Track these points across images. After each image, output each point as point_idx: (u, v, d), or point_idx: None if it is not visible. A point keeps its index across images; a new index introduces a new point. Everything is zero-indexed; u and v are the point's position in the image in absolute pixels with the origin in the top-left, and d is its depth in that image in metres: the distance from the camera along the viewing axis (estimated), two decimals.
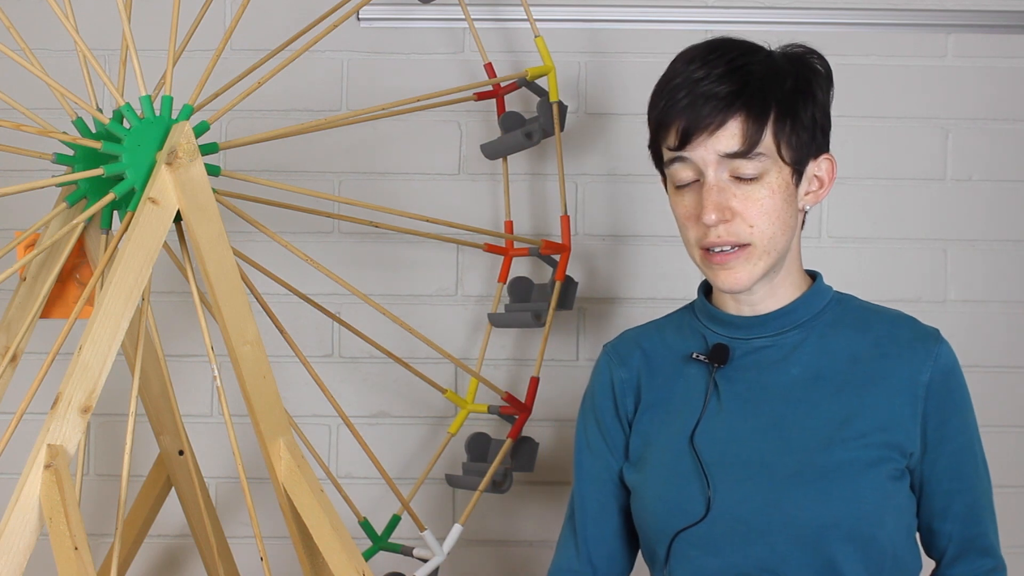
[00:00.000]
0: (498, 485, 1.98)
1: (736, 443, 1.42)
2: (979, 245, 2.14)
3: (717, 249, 1.40)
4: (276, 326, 1.77)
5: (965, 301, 2.14)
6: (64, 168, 1.71)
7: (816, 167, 1.45)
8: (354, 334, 1.87)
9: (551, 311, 1.98)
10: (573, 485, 1.58)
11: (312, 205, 1.94)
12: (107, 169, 1.59)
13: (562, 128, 2.02)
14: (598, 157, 2.15)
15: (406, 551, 1.93)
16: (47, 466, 1.45)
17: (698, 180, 1.41)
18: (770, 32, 1.54)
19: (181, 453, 1.88)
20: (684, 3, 2.14)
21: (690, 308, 1.56)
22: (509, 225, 2.07)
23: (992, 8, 2.13)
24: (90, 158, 1.68)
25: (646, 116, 1.47)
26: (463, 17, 2.06)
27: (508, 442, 1.97)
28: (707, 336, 1.50)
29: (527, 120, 2.04)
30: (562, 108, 2.02)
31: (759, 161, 1.38)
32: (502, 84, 2.02)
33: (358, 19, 2.13)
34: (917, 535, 1.47)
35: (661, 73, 1.46)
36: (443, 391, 1.97)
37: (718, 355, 1.46)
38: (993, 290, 2.14)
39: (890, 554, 1.40)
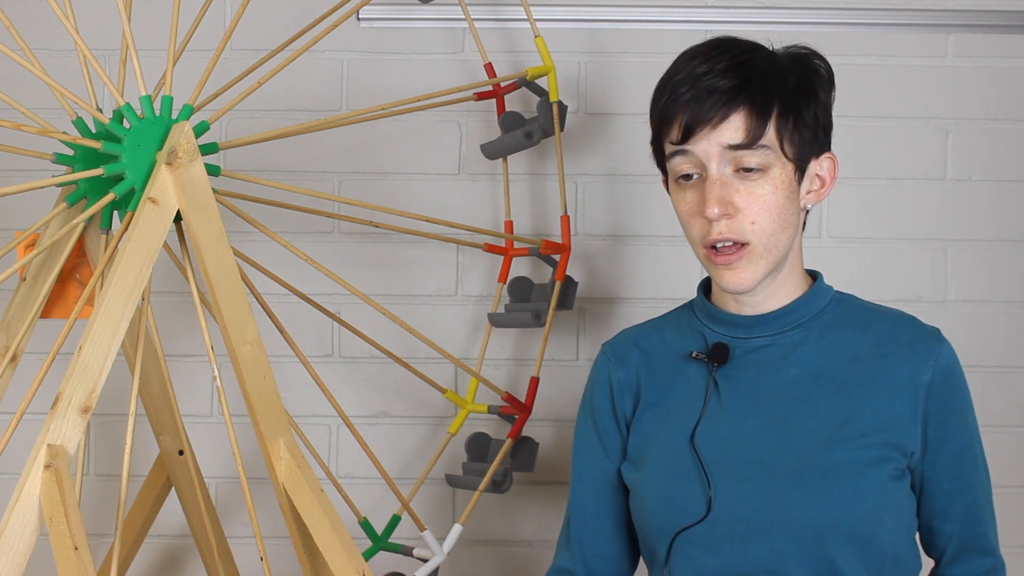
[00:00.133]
0: (498, 485, 1.98)
1: (736, 442, 1.42)
2: (979, 245, 2.14)
3: (720, 245, 1.40)
4: (276, 326, 1.77)
5: (965, 301, 2.14)
6: (64, 168, 1.71)
7: (818, 166, 1.45)
8: (354, 334, 1.87)
9: (551, 311, 1.98)
10: (571, 485, 1.58)
11: (312, 205, 1.94)
12: (107, 169, 1.59)
13: (562, 128, 2.02)
14: (598, 157, 2.15)
15: (406, 551, 1.93)
16: (47, 466, 1.45)
17: (700, 175, 1.41)
18: (770, 32, 1.54)
19: (181, 453, 1.88)
20: (684, 3, 2.14)
21: (689, 307, 1.56)
22: (509, 225, 2.07)
23: (992, 8, 2.13)
24: (90, 158, 1.68)
25: (647, 116, 1.47)
26: (463, 17, 2.06)
27: (508, 442, 1.97)
28: (707, 335, 1.50)
29: (527, 120, 2.04)
30: (562, 108, 2.02)
31: (762, 154, 1.38)
32: (502, 84, 2.02)
33: (358, 19, 2.13)
34: (916, 535, 1.47)
35: (661, 73, 1.46)
36: (443, 391, 1.97)
37: (718, 354, 1.46)
38: (993, 290, 2.14)
39: (890, 554, 1.40)
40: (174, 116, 1.63)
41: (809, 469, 1.38)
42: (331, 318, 1.87)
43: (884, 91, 2.15)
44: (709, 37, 1.47)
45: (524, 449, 2.00)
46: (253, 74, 1.83)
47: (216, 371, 1.62)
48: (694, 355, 1.48)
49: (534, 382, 2.00)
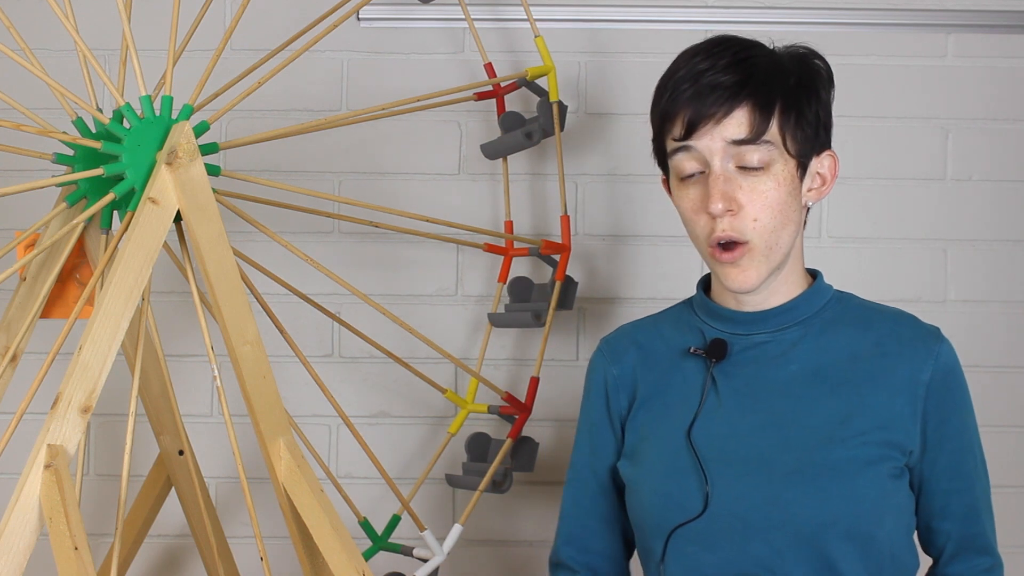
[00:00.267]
0: (498, 485, 1.98)
1: (734, 439, 1.42)
2: (979, 245, 2.14)
3: (724, 241, 1.40)
4: (276, 326, 1.77)
5: (965, 301, 2.14)
6: (64, 168, 1.71)
7: (819, 163, 1.45)
8: (354, 334, 1.87)
9: (551, 311, 1.98)
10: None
11: (312, 205, 1.94)
12: (107, 169, 1.59)
13: (562, 128, 2.02)
14: (598, 157, 2.15)
15: (406, 551, 1.93)
16: (47, 466, 1.45)
17: (703, 172, 1.41)
18: (770, 32, 1.54)
19: (181, 453, 1.88)
20: (684, 3, 2.14)
21: (689, 304, 1.56)
22: (509, 225, 2.07)
23: (992, 8, 2.13)
24: (90, 158, 1.68)
25: (647, 116, 1.47)
26: (463, 17, 2.06)
27: (508, 442, 1.97)
28: (705, 331, 1.50)
29: (527, 120, 2.04)
30: (562, 108, 2.02)
31: (766, 149, 1.38)
32: (502, 84, 2.02)
33: (358, 19, 2.13)
34: (915, 533, 1.47)
35: (661, 73, 1.46)
36: (443, 391, 1.97)
37: (716, 350, 1.46)
38: (993, 290, 2.14)
39: (888, 552, 1.40)
40: (174, 116, 1.63)
41: (808, 467, 1.38)
42: (331, 318, 1.87)
43: (884, 91, 2.15)
44: (709, 37, 1.47)
45: (524, 449, 2.00)
46: (253, 74, 1.83)
47: (216, 371, 1.62)
48: (692, 351, 1.48)
49: (534, 382, 2.00)
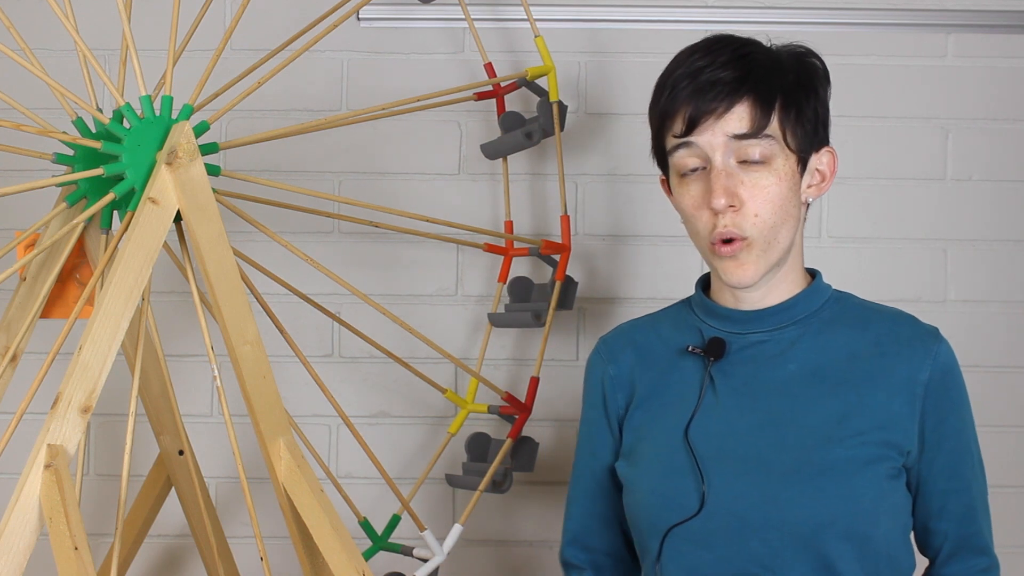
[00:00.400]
0: (498, 485, 1.98)
1: (732, 438, 1.42)
2: (979, 245, 2.14)
3: (726, 238, 1.40)
4: (276, 326, 1.77)
5: (965, 301, 2.14)
6: (64, 168, 1.71)
7: (818, 160, 1.46)
8: (354, 334, 1.87)
9: (551, 311, 1.98)
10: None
11: (312, 205, 1.94)
12: (107, 169, 1.59)
13: (562, 128, 2.02)
14: (598, 157, 2.15)
15: (406, 551, 1.93)
16: (47, 466, 1.45)
17: (704, 168, 1.41)
18: (770, 32, 1.54)
19: (181, 453, 1.88)
20: (684, 3, 2.14)
21: (687, 303, 1.56)
22: (509, 225, 2.07)
23: (992, 8, 2.13)
24: (90, 158, 1.68)
25: (647, 115, 1.47)
26: (463, 17, 2.06)
27: (508, 442, 1.97)
28: (703, 330, 1.50)
29: (527, 120, 2.04)
30: (562, 108, 2.02)
31: (767, 143, 1.38)
32: (502, 84, 2.02)
33: (358, 19, 2.13)
34: (912, 533, 1.47)
35: (661, 73, 1.46)
36: (443, 391, 1.97)
37: (714, 348, 1.46)
38: (993, 290, 2.14)
39: (885, 552, 1.40)
40: (174, 116, 1.63)
41: (806, 466, 1.38)
42: (331, 318, 1.87)
43: (884, 91, 2.15)
44: (706, 37, 1.47)
45: (524, 449, 2.00)
46: (253, 74, 1.83)
47: (216, 371, 1.62)
48: (690, 349, 1.48)
49: (534, 382, 2.00)
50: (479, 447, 2.02)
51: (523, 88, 2.03)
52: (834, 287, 1.52)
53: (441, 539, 1.94)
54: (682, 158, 1.42)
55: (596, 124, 2.15)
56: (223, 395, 1.63)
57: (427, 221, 1.93)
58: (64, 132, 1.63)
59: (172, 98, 1.63)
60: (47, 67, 1.75)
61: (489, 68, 2.02)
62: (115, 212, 1.69)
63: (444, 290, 2.15)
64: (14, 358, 1.68)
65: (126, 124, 1.63)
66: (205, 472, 1.97)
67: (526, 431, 2.01)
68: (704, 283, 1.54)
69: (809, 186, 1.45)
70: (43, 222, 1.63)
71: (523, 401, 1.99)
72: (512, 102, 2.08)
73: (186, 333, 2.12)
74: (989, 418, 2.09)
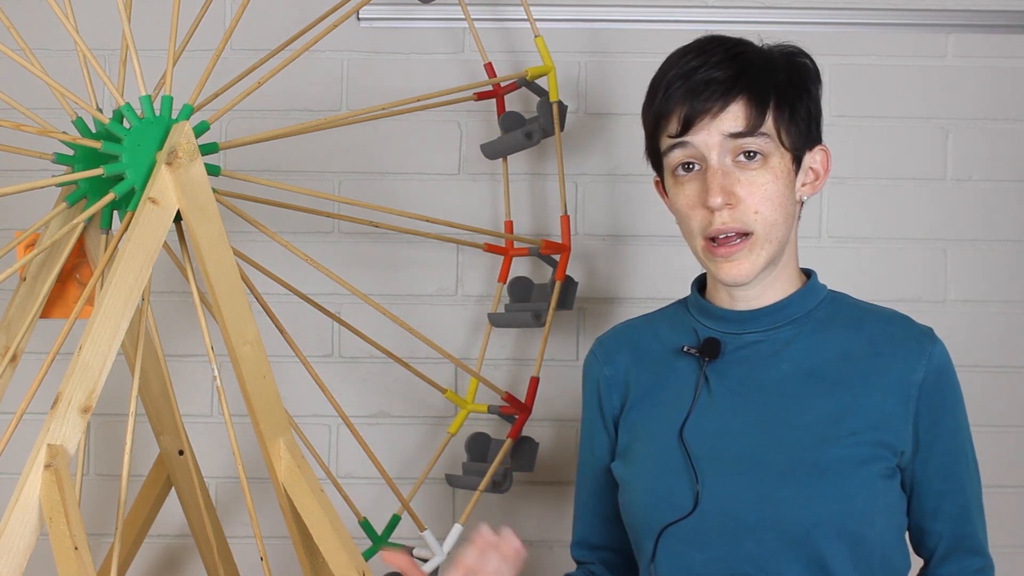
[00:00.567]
0: (498, 485, 1.98)
1: (726, 438, 1.42)
2: (979, 245, 2.14)
3: (722, 236, 1.40)
4: (276, 326, 1.77)
5: (965, 301, 2.14)
6: (64, 168, 1.71)
7: (812, 158, 1.46)
8: (354, 334, 1.87)
9: (551, 311, 1.98)
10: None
11: (312, 205, 1.94)
12: (107, 169, 1.59)
13: (562, 128, 2.02)
14: (598, 157, 2.15)
15: (406, 551, 1.93)
16: (47, 466, 1.45)
17: (700, 167, 1.41)
18: (770, 32, 1.54)
19: (181, 453, 1.88)
20: (684, 3, 2.14)
21: (683, 303, 1.56)
22: (509, 225, 2.07)
23: (992, 8, 2.13)
24: (90, 158, 1.68)
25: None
26: (463, 17, 2.06)
27: (508, 442, 1.97)
28: (699, 331, 1.50)
29: (527, 120, 2.04)
30: (562, 108, 2.02)
31: (763, 141, 1.39)
32: (502, 84, 2.02)
33: (358, 19, 2.13)
34: (907, 534, 1.47)
35: (654, 75, 1.47)
36: (443, 391, 1.97)
37: (709, 349, 1.46)
38: (993, 290, 2.14)
39: (879, 552, 1.40)
40: (174, 116, 1.63)
41: (800, 466, 1.38)
42: (331, 318, 1.87)
43: (884, 91, 2.15)
44: (697, 38, 1.48)
45: (524, 449, 2.00)
46: (253, 74, 1.83)
47: (216, 371, 1.62)
48: (685, 349, 1.48)
49: (534, 382, 2.00)
50: (479, 447, 2.02)
51: (523, 88, 2.03)
52: (834, 287, 1.52)
53: (441, 539, 1.94)
54: (677, 158, 1.42)
55: (596, 124, 2.15)
56: (223, 395, 1.63)
57: (427, 221, 1.93)
58: (64, 132, 1.63)
59: (172, 98, 1.63)
60: (47, 67, 1.75)
61: (489, 68, 2.02)
62: (115, 212, 1.69)
63: (444, 290, 2.15)
64: (14, 358, 1.68)
65: (126, 124, 1.63)
66: (205, 472, 1.97)
67: (526, 431, 2.01)
68: (700, 283, 1.54)
69: (803, 184, 1.46)
70: (43, 222, 1.63)
71: (523, 401, 1.99)
72: (512, 102, 2.08)
73: (186, 333, 2.12)
74: (989, 418, 2.10)
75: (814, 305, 1.47)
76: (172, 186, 1.54)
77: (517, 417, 1.98)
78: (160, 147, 1.59)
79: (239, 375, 1.60)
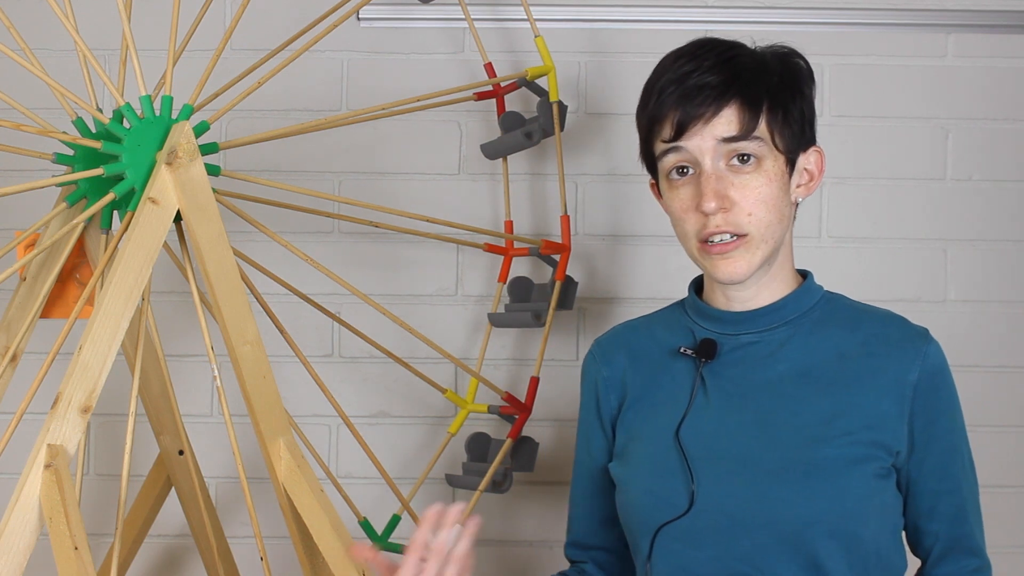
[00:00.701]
0: (498, 485, 1.98)
1: (722, 438, 1.42)
2: (979, 245, 2.14)
3: (717, 239, 1.40)
4: (276, 326, 1.77)
5: (965, 301, 2.14)
6: (64, 168, 1.71)
7: (806, 160, 1.46)
8: (354, 334, 1.87)
9: (551, 311, 1.98)
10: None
11: (312, 205, 1.94)
12: (107, 169, 1.60)
13: (562, 128, 2.02)
14: (598, 157, 2.15)
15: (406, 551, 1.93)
16: (47, 466, 1.45)
17: (694, 171, 1.41)
18: (769, 32, 1.55)
19: (181, 453, 1.88)
20: (684, 3, 2.14)
21: (681, 304, 1.56)
22: (509, 225, 2.07)
23: (992, 8, 2.13)
24: (90, 158, 1.68)
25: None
26: (463, 17, 2.06)
27: (508, 442, 1.97)
28: (695, 331, 1.50)
29: (527, 120, 2.04)
30: (562, 108, 2.02)
31: (756, 145, 1.39)
32: (502, 84, 2.02)
33: (358, 19, 2.13)
34: (903, 534, 1.47)
35: (647, 79, 1.47)
36: (443, 391, 1.97)
37: (705, 350, 1.47)
38: (993, 290, 2.14)
39: (874, 552, 1.40)
40: (174, 116, 1.63)
41: (794, 466, 1.39)
42: (331, 318, 1.87)
43: (884, 91, 2.15)
44: (690, 41, 1.48)
45: (524, 449, 2.00)
46: (253, 74, 1.83)
47: (216, 371, 1.62)
48: (681, 351, 1.48)
49: (534, 382, 2.00)
50: (479, 447, 2.02)
51: (523, 88, 2.03)
52: (834, 287, 1.52)
53: None
54: (671, 163, 1.43)
55: (596, 124, 2.15)
56: (223, 395, 1.63)
57: (427, 221, 1.93)
58: (64, 132, 1.63)
59: (172, 98, 1.63)
60: (47, 67, 1.75)
61: (489, 68, 2.02)
62: (115, 212, 1.69)
63: (444, 290, 2.15)
64: (14, 358, 1.68)
65: (126, 124, 1.63)
66: (205, 472, 1.97)
67: (526, 431, 2.01)
68: (697, 285, 1.55)
69: (798, 186, 1.46)
70: (43, 222, 1.63)
71: (523, 401, 1.99)
72: (512, 102, 2.08)
73: (186, 333, 2.12)
74: (988, 418, 2.10)
75: (810, 306, 1.48)
76: (172, 186, 1.54)
77: (517, 417, 1.98)
78: (160, 147, 1.60)
79: (239, 375, 1.60)
